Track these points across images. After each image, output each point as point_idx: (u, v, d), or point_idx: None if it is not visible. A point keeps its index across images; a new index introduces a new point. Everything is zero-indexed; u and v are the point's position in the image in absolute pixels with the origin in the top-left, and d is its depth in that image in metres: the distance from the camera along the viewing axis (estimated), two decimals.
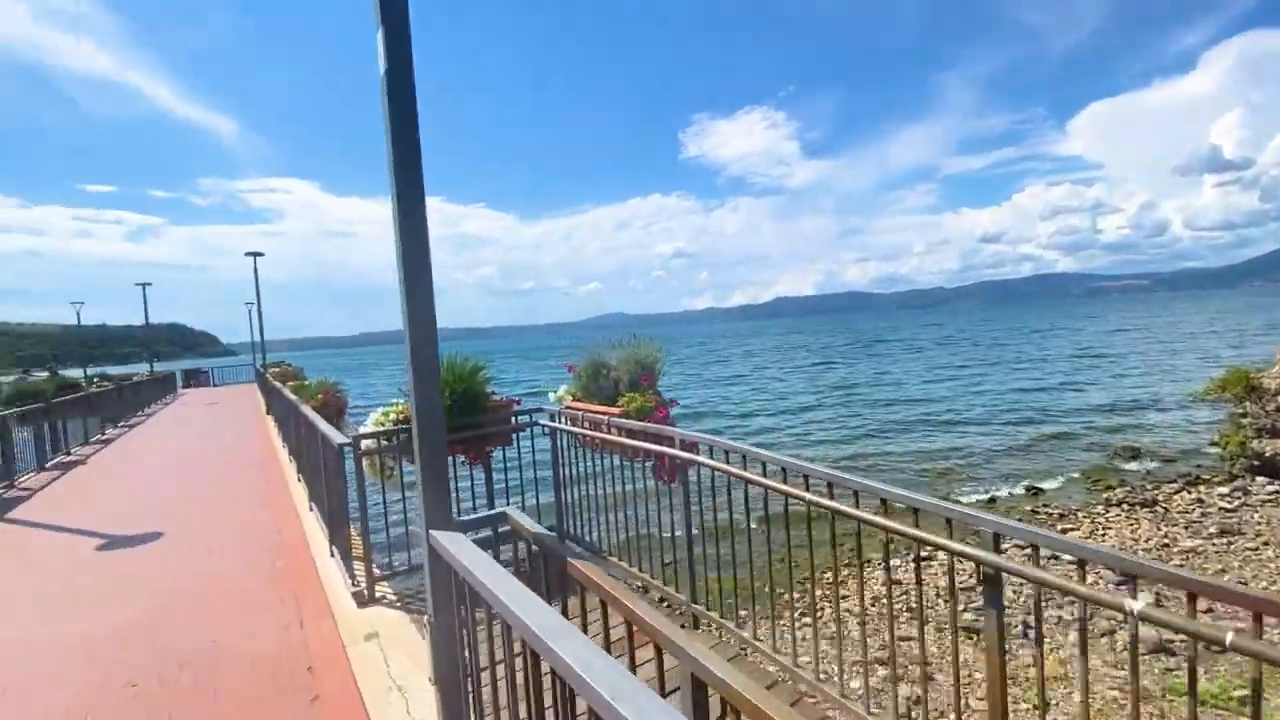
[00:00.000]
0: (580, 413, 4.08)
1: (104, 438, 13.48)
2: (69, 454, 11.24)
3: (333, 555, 4.67)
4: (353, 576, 4.01)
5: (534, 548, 2.05)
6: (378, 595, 3.90)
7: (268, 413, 15.79)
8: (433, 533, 1.89)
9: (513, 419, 4.50)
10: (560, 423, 4.40)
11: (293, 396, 7.64)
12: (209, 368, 34.07)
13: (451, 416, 4.09)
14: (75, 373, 25.47)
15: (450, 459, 4.29)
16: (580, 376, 4.21)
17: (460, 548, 1.78)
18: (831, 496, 2.64)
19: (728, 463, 3.19)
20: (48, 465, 9.99)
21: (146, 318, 26.19)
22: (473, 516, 2.04)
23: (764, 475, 2.95)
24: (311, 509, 6.04)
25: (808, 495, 2.65)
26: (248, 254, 16.98)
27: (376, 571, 3.98)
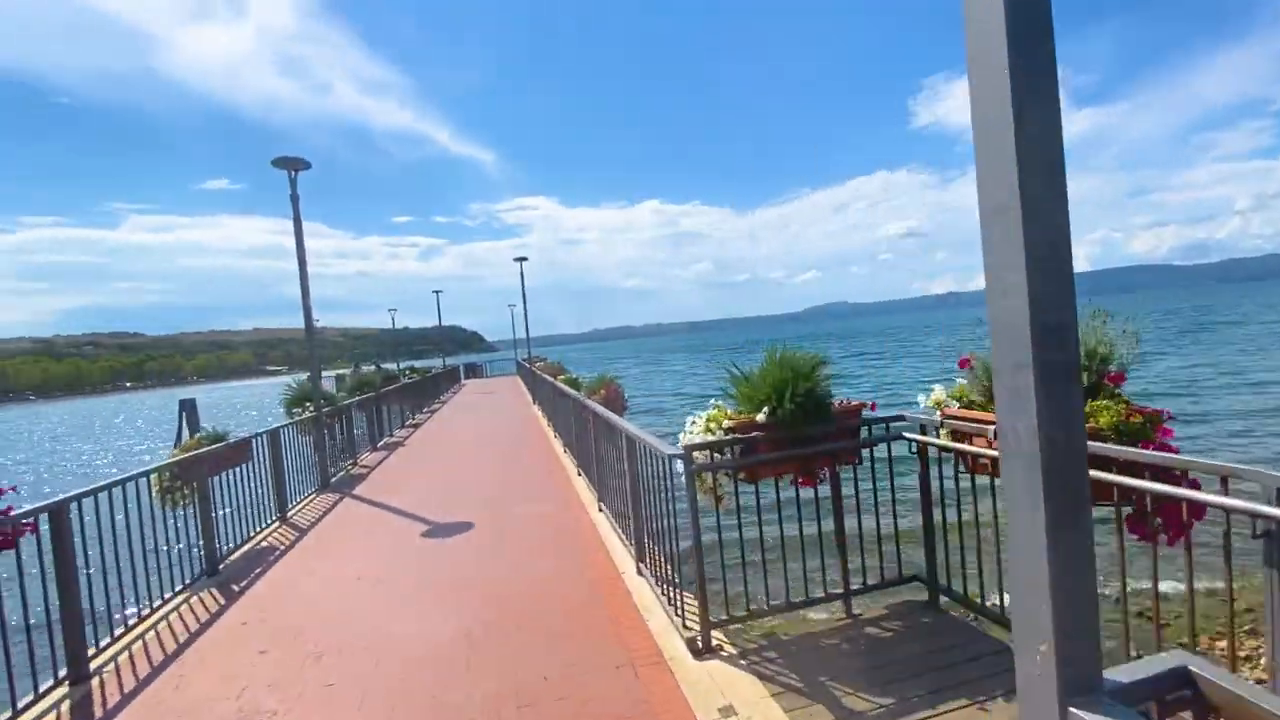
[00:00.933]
0: (988, 426, 2.85)
1: (414, 422, 15.81)
2: (391, 435, 13.22)
3: (640, 574, 4.12)
4: (681, 615, 3.33)
5: None
6: (714, 644, 3.14)
7: (534, 402, 17.19)
8: (1076, 712, 0.90)
9: (863, 429, 3.43)
10: (937, 436, 3.20)
11: (571, 391, 7.61)
12: (482, 362, 39.67)
13: (794, 426, 3.16)
14: (391, 366, 31.44)
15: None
16: (984, 373, 2.97)
17: None
18: None
19: None
20: (378, 446, 11.75)
21: (440, 320, 31.26)
22: (1132, 678, 1.00)
23: None
24: (601, 510, 5.73)
25: None
26: (516, 259, 18.83)
27: (710, 615, 3.22)
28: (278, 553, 5.52)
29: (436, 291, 29.80)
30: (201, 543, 5.07)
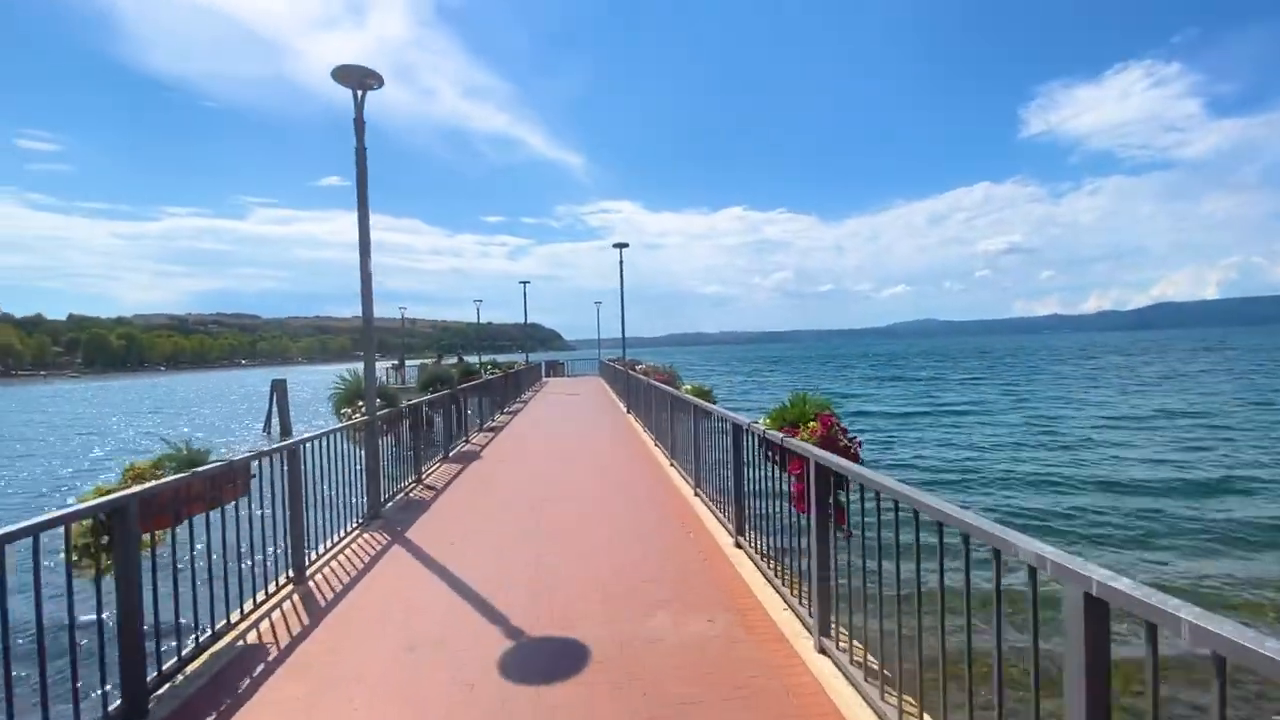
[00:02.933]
0: None
1: (493, 424, 13.76)
2: (467, 441, 11.14)
3: None
4: None
5: None
6: None
7: (629, 410, 14.75)
8: None
9: None
10: None
11: (739, 420, 4.98)
12: (564, 360, 38.09)
13: None
14: (473, 359, 30.28)
15: None
16: None
17: None
18: None
19: None
20: (450, 455, 9.63)
21: (525, 311, 29.79)
22: None
23: None
24: (825, 652, 3.07)
25: None
26: (615, 245, 16.46)
27: None
28: (258, 673, 3.20)
29: (524, 282, 28.29)
30: (119, 656, 2.82)
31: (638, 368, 12.69)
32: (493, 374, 16.28)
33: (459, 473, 8.32)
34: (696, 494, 6.43)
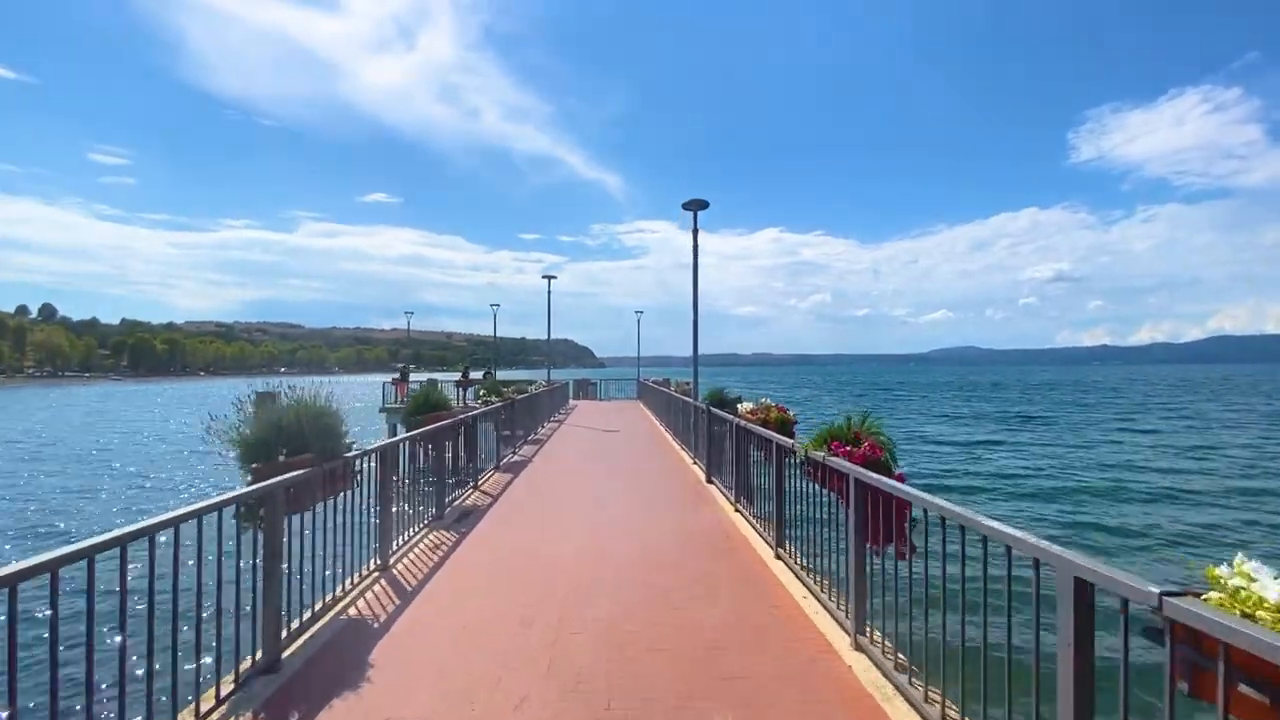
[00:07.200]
0: None
1: (468, 503, 7.78)
2: (387, 567, 5.18)
3: None
4: None
5: None
6: None
7: (709, 480, 8.58)
8: None
9: None
10: None
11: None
12: (596, 379, 32.30)
13: None
14: (477, 374, 25.02)
15: None
16: None
17: None
18: None
19: None
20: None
21: (549, 333, 24.68)
22: None
23: None
24: None
25: None
26: (685, 205, 10.52)
27: None
28: None
29: (548, 277, 22.94)
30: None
31: (744, 408, 6.51)
32: (488, 402, 10.32)
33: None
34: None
